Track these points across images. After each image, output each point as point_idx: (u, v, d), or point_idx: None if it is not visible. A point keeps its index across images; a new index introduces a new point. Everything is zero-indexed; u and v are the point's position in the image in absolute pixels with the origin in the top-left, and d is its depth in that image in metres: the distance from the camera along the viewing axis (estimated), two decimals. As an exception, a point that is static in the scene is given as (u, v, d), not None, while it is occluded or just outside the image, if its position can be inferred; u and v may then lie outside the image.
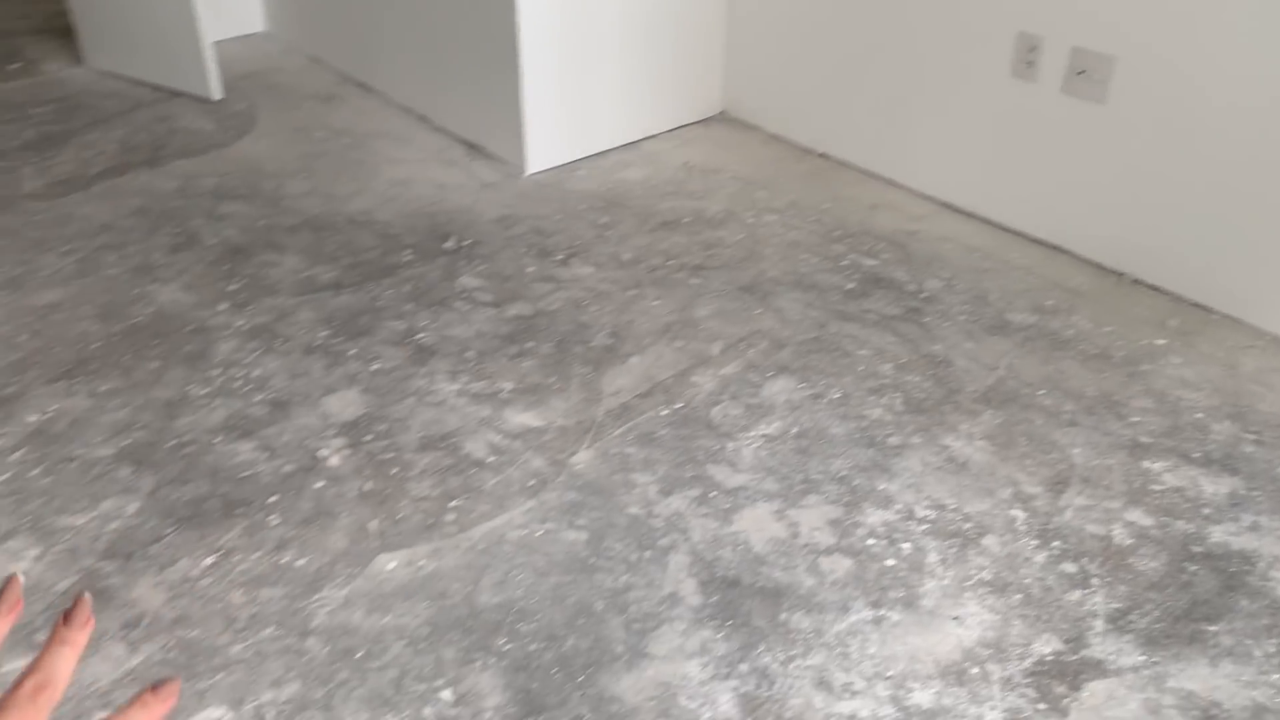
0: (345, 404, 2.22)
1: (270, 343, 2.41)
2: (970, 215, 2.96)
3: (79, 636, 0.51)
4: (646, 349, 2.41)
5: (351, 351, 2.39)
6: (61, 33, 4.23)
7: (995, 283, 2.67)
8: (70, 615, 0.51)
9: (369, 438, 2.12)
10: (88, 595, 0.53)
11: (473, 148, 3.35)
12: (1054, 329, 2.48)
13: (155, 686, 0.51)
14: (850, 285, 2.65)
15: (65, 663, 0.49)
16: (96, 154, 3.29)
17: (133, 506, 1.93)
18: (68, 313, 2.50)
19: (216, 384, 2.27)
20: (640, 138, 3.42)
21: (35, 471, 2.01)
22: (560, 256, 2.77)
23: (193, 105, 3.65)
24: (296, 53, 4.13)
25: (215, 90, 3.64)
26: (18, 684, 0.48)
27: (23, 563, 1.81)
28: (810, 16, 3.17)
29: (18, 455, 2.05)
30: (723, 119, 3.58)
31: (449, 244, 2.83)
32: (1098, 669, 1.64)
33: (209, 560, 1.82)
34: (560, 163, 3.25)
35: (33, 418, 2.16)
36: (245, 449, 2.08)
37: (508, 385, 2.28)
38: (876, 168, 3.17)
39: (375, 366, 2.34)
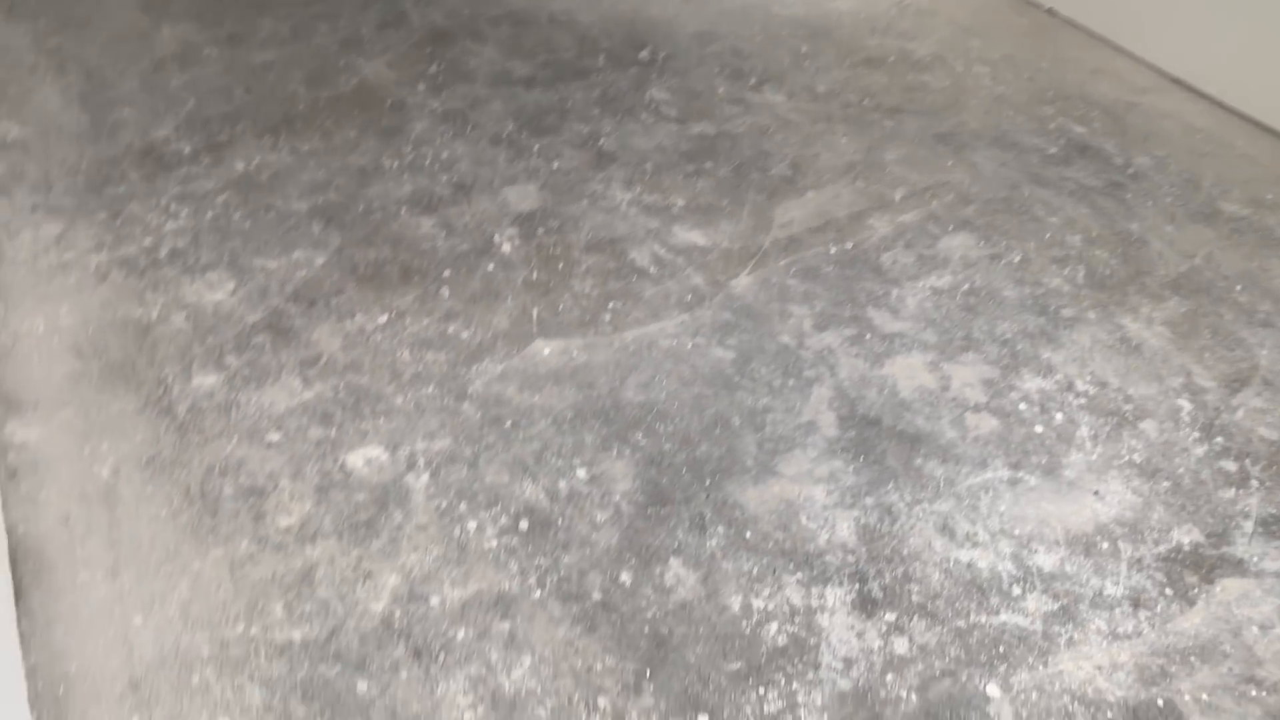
0: (523, 196, 2.28)
1: (461, 128, 2.48)
2: (1199, 93, 2.72)
3: None
4: (825, 185, 2.36)
5: (535, 147, 2.43)
6: None
7: (1212, 168, 2.47)
8: None
9: (541, 231, 2.18)
10: None
11: (682, -39, 3.26)
12: (1268, 225, 2.29)
13: None
14: (1053, 150, 2.51)
15: None
16: (321, -75, 3.37)
17: (320, 259, 2.07)
18: (279, 74, 2.62)
19: (407, 159, 2.36)
20: (857, -31, 3.26)
21: (237, 215, 2.17)
22: (753, 80, 2.71)
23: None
24: None
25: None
26: None
27: (219, 294, 1.97)
28: None
29: (223, 198, 2.21)
30: (949, -41, 3.36)
31: (643, 54, 2.80)
32: (1237, 568, 1.58)
33: (383, 318, 1.94)
34: (769, -14, 3.14)
35: (240, 165, 2.30)
36: (427, 223, 2.18)
37: (680, 201, 2.29)
38: (1105, 30, 2.93)
39: (556, 165, 2.38)
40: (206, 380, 1.79)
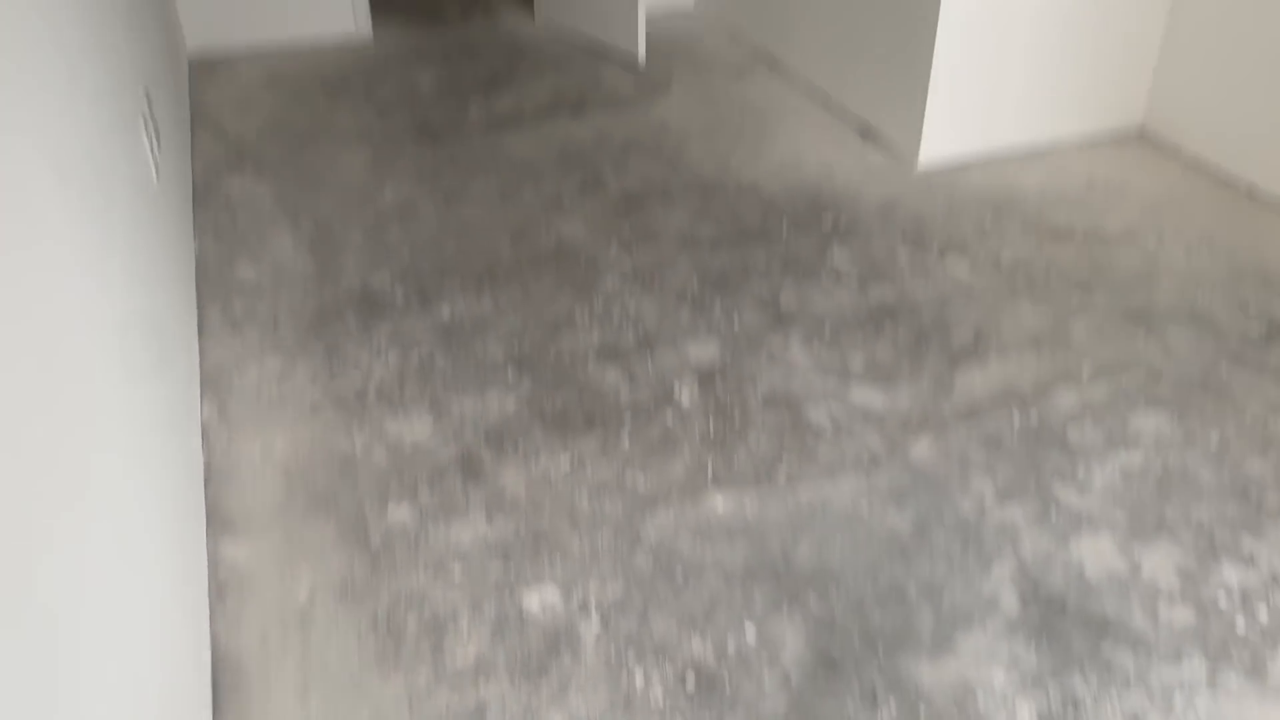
0: (704, 351, 2.35)
1: (648, 285, 2.60)
2: None
3: None
4: (1009, 354, 2.34)
5: (717, 305, 2.52)
6: (520, -11, 4.73)
7: None
8: None
9: (720, 385, 2.24)
10: None
11: (868, 132, 3.37)
12: None
13: None
14: (1254, 333, 2.41)
15: None
16: (532, 98, 3.67)
17: (511, 403, 2.18)
18: (486, 231, 2.83)
19: (598, 313, 2.49)
20: (1044, 142, 3.28)
21: (440, 358, 2.32)
22: (935, 249, 2.75)
23: (618, 66, 3.96)
24: (717, 27, 4.35)
25: (640, 54, 3.93)
26: None
27: (418, 432, 2.10)
28: (1263, 36, 2.88)
29: (429, 342, 2.38)
30: (1140, 135, 3.35)
31: (827, 221, 2.89)
32: None
33: (565, 462, 2.02)
34: (954, 156, 3.20)
35: (446, 313, 2.48)
36: (612, 373, 2.28)
37: (858, 363, 2.31)
38: (1314, 210, 2.84)
39: (736, 322, 2.45)
40: (400, 513, 1.90)
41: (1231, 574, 1.78)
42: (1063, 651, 1.64)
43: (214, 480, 1.99)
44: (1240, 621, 1.69)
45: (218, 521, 1.89)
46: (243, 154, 3.25)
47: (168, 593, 1.44)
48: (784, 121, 3.50)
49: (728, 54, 4.09)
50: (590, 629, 1.68)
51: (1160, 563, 1.80)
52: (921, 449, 2.07)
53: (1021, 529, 1.87)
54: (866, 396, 2.21)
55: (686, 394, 2.22)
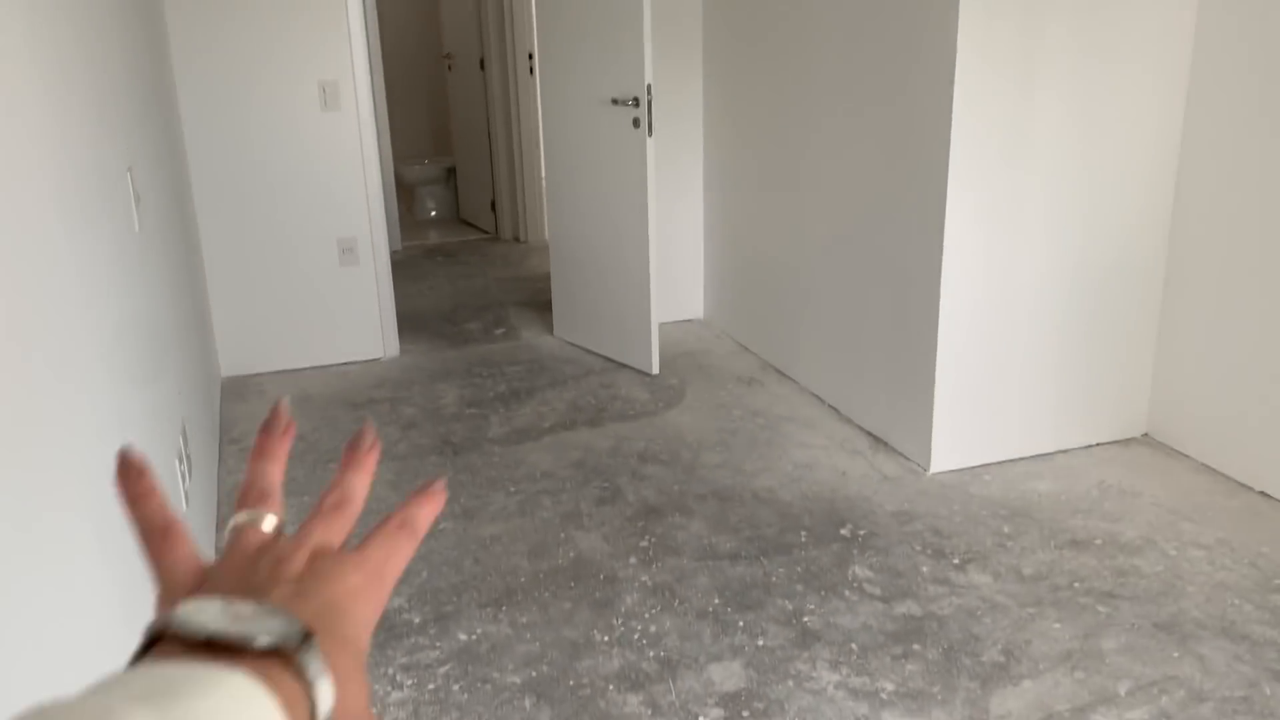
0: (728, 675, 2.30)
1: (669, 602, 2.58)
2: None
3: (369, 461, 0.50)
4: (1042, 674, 2.28)
5: (740, 623, 2.49)
6: (541, 306, 5.03)
7: None
8: (355, 442, 0.50)
9: (746, 714, 2.17)
10: (369, 426, 0.51)
11: (877, 441, 3.45)
12: None
13: (424, 486, 0.49)
14: (1291, 643, 2.36)
15: (361, 483, 0.49)
16: (550, 410, 3.81)
17: (529, 735, 2.11)
18: (504, 546, 2.85)
19: (617, 633, 2.45)
20: (1053, 450, 3.35)
21: (456, 686, 2.27)
22: (956, 560, 2.74)
23: (634, 376, 4.13)
24: (727, 338, 4.57)
25: (654, 365, 4.11)
26: (320, 500, 0.47)
27: (432, 767, 2.02)
28: (1255, 339, 3.01)
29: (445, 669, 2.33)
30: (1145, 441, 3.42)
31: (845, 531, 2.90)
32: None
33: (586, 803, 1.93)
34: (965, 465, 3.26)
35: (462, 636, 2.45)
36: (633, 701, 2.21)
37: (889, 685, 2.25)
38: (1331, 513, 2.85)
39: (760, 642, 2.41)
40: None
41: None
42: None
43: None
44: None
45: None
46: (269, 472, 3.33)
47: None
48: (796, 429, 3.60)
49: (737, 363, 4.26)
50: None
51: None
52: (960, 782, 1.97)
53: None
54: (898, 722, 2.13)
55: (711, 722, 2.14)
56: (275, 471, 0.49)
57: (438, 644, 2.42)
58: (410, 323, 4.88)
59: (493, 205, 6.75)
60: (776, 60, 3.93)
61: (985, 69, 2.93)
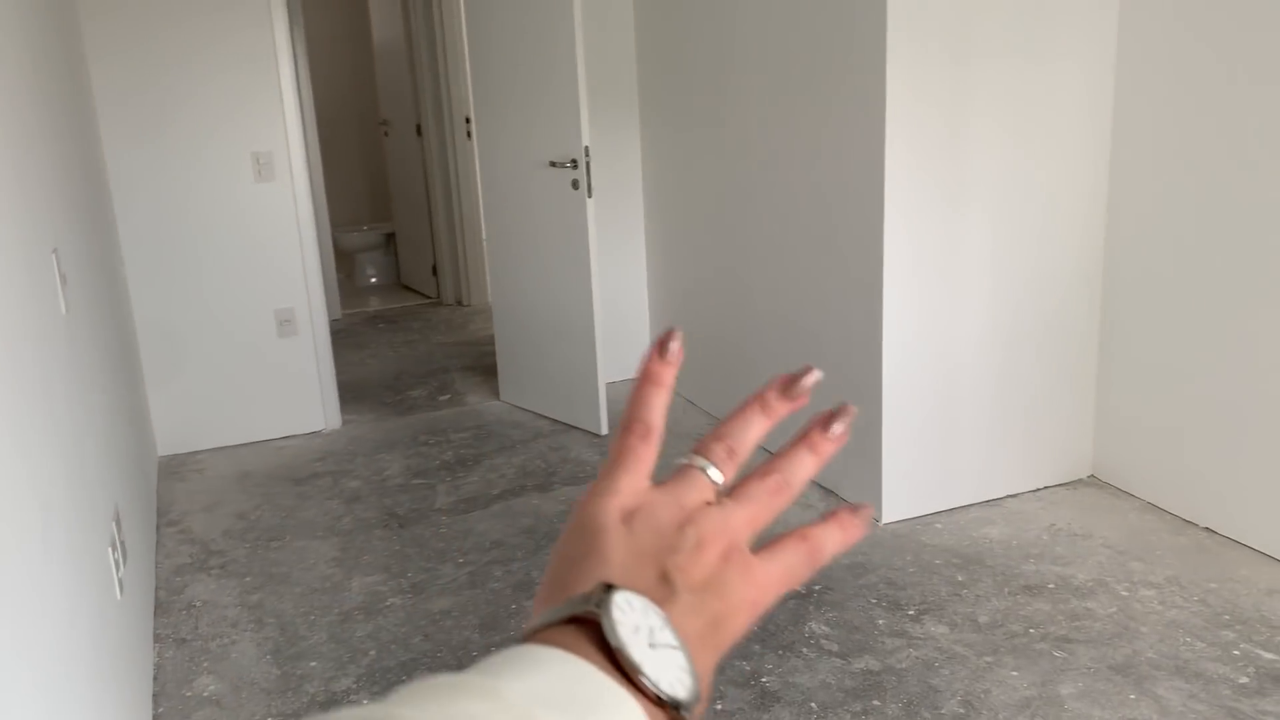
0: (688, 742, 2.25)
1: (624, 670, 2.52)
2: (1397, 611, 2.58)
3: (827, 448, 0.47)
4: (1002, 724, 2.26)
5: (698, 688, 2.44)
6: (486, 370, 4.99)
7: None
8: (827, 422, 0.47)
9: (708, 782, 2.12)
10: (850, 407, 0.48)
11: (828, 493, 3.45)
12: None
13: (853, 508, 0.46)
14: (1244, 680, 2.37)
15: (806, 469, 0.46)
16: (499, 476, 3.75)
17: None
18: (455, 620, 2.78)
19: (572, 705, 2.39)
20: (1001, 495, 3.37)
21: (408, 769, 2.19)
22: (912, 611, 2.73)
23: (583, 438, 4.09)
24: (675, 395, 4.55)
25: (604, 426, 4.08)
26: (761, 474, 0.45)
27: None
28: (1193, 379, 3.07)
29: (397, 750, 2.25)
30: (1091, 482, 3.46)
31: (799, 587, 2.88)
32: None
33: None
34: (916, 514, 3.26)
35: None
36: (591, 776, 2.15)
37: (851, 745, 2.21)
38: (1273, 549, 2.89)
39: (719, 706, 2.37)
40: None
41: None
42: None
43: None
44: None
45: None
46: (208, 555, 3.23)
47: None
48: (746, 486, 3.58)
49: (687, 420, 4.25)
50: None
51: None
52: (927, 842, 1.93)
53: None
54: (862, 783, 2.09)
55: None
56: (758, 432, 0.47)
57: (388, 726, 2.34)
58: (352, 392, 4.81)
59: (434, 270, 6.72)
60: (712, 118, 3.98)
61: (915, 124, 2.98)
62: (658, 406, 0.46)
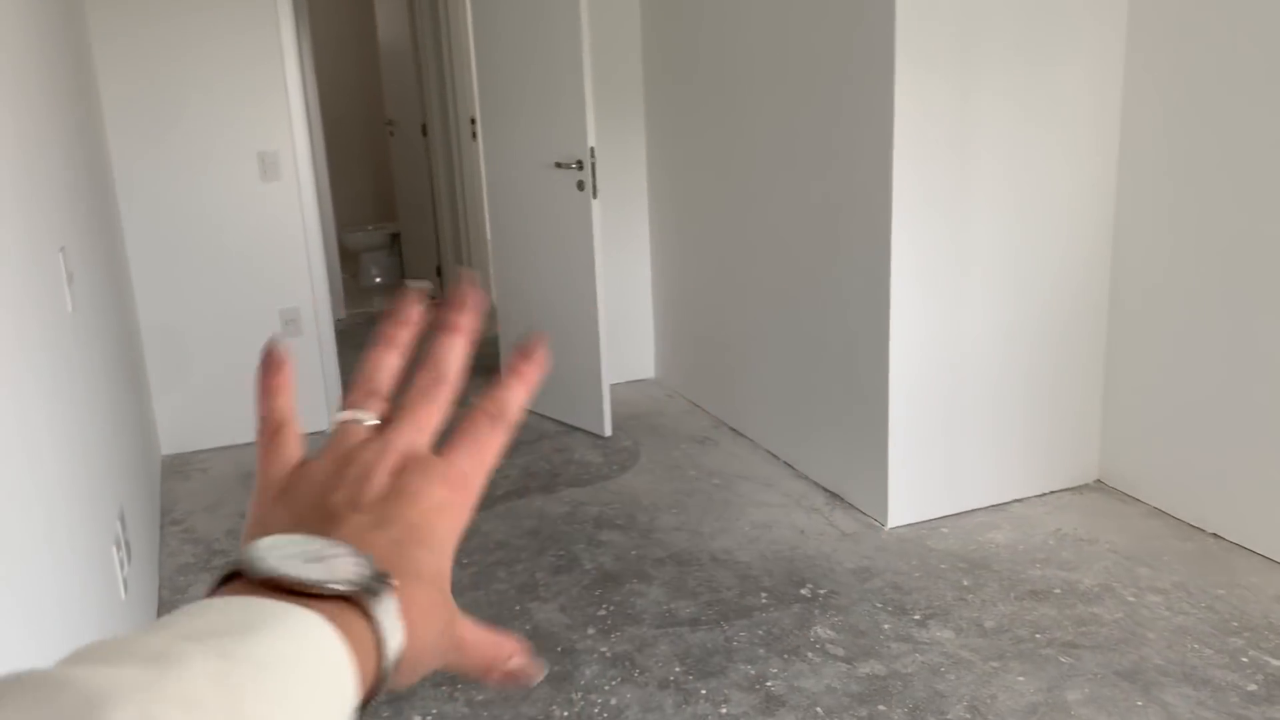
0: (693, 746, 2.24)
1: (629, 672, 2.52)
2: (1405, 619, 2.57)
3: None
4: (1009, 730, 2.25)
5: (703, 691, 2.43)
6: (489, 371, 4.95)
7: None
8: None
9: (713, 786, 2.11)
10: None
11: (834, 497, 3.44)
12: None
13: (522, 350, 0.47)
14: (1252, 687, 2.36)
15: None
16: (503, 477, 3.75)
17: (489, 821, 2.03)
18: (460, 621, 2.77)
19: (577, 707, 2.39)
20: (1007, 500, 3.36)
21: (412, 771, 2.18)
22: (918, 616, 2.72)
23: (587, 439, 4.09)
24: (679, 398, 4.55)
25: (607, 428, 4.07)
26: (414, 383, 0.46)
27: None
28: (1199, 384, 3.06)
29: (400, 752, 2.25)
30: (1098, 488, 3.44)
31: (805, 591, 2.87)
32: None
33: None
34: (922, 519, 3.25)
35: (418, 718, 2.37)
36: (596, 779, 2.14)
37: (856, 750, 2.20)
38: (1278, 553, 2.88)
39: (724, 710, 2.36)
40: None
41: None
42: None
43: None
44: None
45: None
46: (212, 555, 3.23)
47: None
48: (752, 488, 3.57)
49: (691, 422, 4.24)
50: None
51: None
52: None
53: None
54: (867, 789, 2.08)
55: (677, 798, 2.08)
56: (394, 363, 0.48)
57: (392, 728, 2.34)
58: (357, 392, 4.79)
59: (438, 270, 6.72)
60: (718, 120, 3.98)
61: (922, 130, 2.97)
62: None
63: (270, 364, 0.47)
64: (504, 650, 0.44)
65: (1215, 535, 3.05)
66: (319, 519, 0.39)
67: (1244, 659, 2.47)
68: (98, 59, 3.73)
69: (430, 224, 6.65)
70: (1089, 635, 2.60)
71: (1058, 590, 2.82)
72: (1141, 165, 3.17)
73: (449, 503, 0.42)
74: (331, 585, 0.34)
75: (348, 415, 0.45)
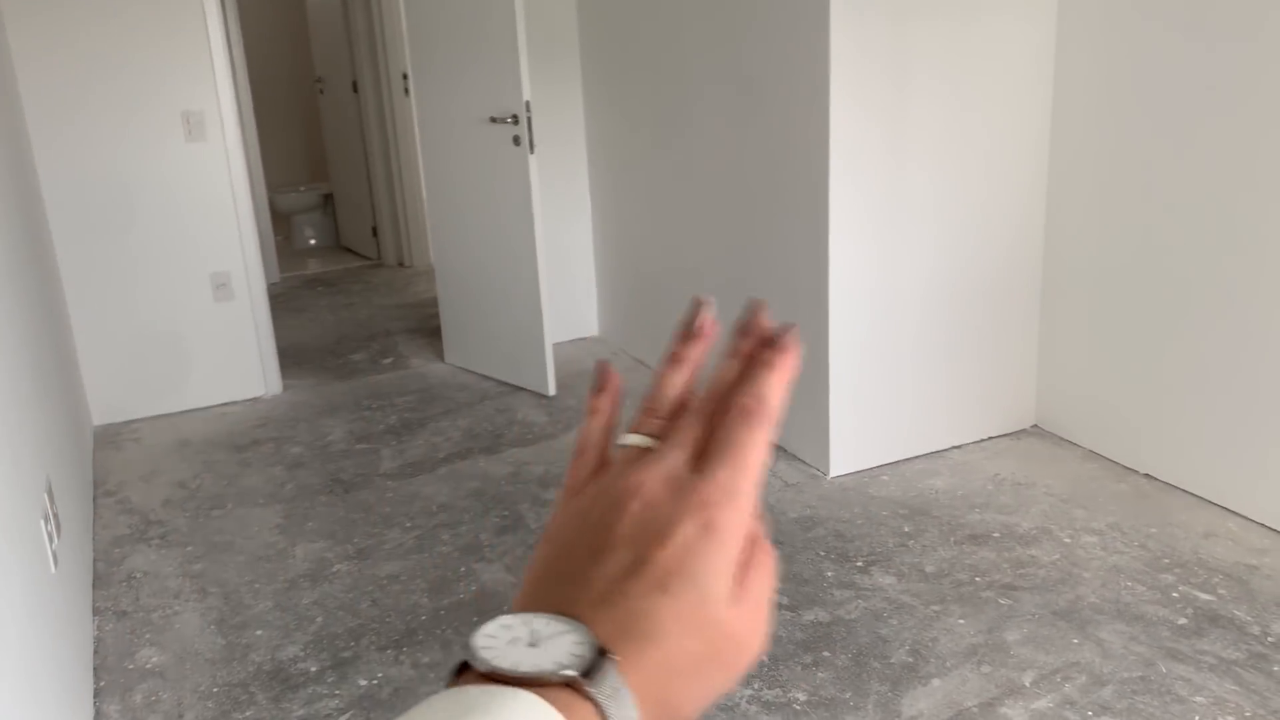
0: (640, 699, 2.25)
1: (576, 629, 2.51)
2: (1326, 550, 2.66)
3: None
4: (950, 671, 2.29)
5: (650, 645, 2.44)
6: (430, 333, 4.92)
7: (1363, 632, 2.34)
8: (752, 328, 0.44)
9: (661, 737, 2.12)
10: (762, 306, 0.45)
11: (776, 449, 3.46)
12: None
13: (772, 337, 0.43)
14: (1182, 621, 2.43)
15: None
16: (445, 440, 3.71)
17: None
18: (403, 585, 2.75)
19: (524, 666, 2.38)
20: (947, 447, 3.40)
21: (359, 735, 2.17)
22: (860, 563, 2.75)
23: (530, 399, 4.06)
24: (624, 354, 4.53)
25: (551, 387, 4.04)
26: (732, 405, 0.41)
27: (337, 825, 1.92)
28: (1132, 328, 3.11)
29: (346, 718, 2.23)
30: (1035, 432, 3.50)
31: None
32: None
33: None
34: (863, 467, 3.28)
35: (363, 682, 2.35)
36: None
37: (801, 696, 2.23)
38: (1209, 493, 2.95)
39: (672, 663, 2.37)
40: None
41: None
42: None
43: None
44: None
45: None
46: (148, 525, 3.16)
47: None
48: (695, 443, 3.57)
49: (635, 379, 4.23)
50: None
51: None
52: (878, 789, 1.96)
53: None
54: (813, 734, 2.11)
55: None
56: (680, 383, 0.44)
57: (337, 691, 2.31)
58: (292, 357, 4.71)
59: (374, 231, 6.60)
60: (655, 70, 3.93)
61: (859, 75, 2.96)
62: (594, 417, 0.46)
63: (597, 385, 0.46)
64: (764, 582, 0.40)
65: (1148, 476, 3.13)
66: (570, 579, 0.39)
67: (1174, 594, 2.53)
68: (8, 23, 3.57)
69: (364, 183, 6.53)
70: (1027, 577, 2.65)
71: (996, 534, 2.87)
72: (1075, 111, 3.19)
73: (699, 517, 0.38)
74: (545, 675, 0.34)
75: (629, 440, 0.43)
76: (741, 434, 0.40)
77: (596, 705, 0.34)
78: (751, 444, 0.40)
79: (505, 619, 0.37)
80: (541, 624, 0.36)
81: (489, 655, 0.35)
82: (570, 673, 0.34)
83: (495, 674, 0.35)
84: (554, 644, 0.35)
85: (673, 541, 0.38)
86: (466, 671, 0.36)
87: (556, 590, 0.38)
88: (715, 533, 0.38)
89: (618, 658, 0.35)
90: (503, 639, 0.36)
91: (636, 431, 0.43)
